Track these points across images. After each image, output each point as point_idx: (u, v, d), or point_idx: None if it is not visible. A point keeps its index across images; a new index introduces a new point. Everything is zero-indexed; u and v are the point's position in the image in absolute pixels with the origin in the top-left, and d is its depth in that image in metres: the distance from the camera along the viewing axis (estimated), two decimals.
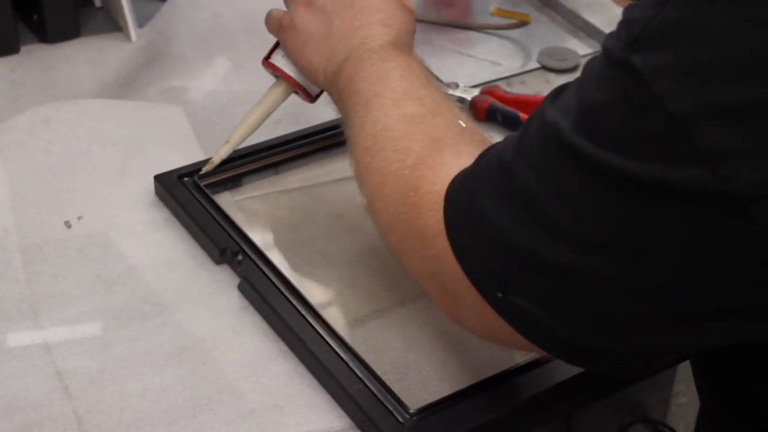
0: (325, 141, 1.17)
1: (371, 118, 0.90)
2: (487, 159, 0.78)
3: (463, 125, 0.89)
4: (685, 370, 1.31)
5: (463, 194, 0.79)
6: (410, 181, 0.84)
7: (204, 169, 1.09)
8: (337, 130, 1.17)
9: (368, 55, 0.94)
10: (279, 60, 1.06)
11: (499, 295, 0.76)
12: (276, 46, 1.07)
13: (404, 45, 0.97)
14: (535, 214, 0.72)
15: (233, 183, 1.12)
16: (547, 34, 1.42)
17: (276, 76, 1.07)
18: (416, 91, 0.91)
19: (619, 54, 0.68)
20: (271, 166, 1.15)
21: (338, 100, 0.97)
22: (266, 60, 1.06)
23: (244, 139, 1.09)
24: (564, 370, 0.93)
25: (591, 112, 0.70)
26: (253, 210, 1.10)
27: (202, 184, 1.09)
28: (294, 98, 1.12)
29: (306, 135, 1.17)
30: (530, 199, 0.72)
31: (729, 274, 0.67)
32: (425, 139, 0.86)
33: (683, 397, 1.33)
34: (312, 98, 1.07)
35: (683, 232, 0.67)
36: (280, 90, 1.07)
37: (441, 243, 0.79)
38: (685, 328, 0.72)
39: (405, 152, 0.86)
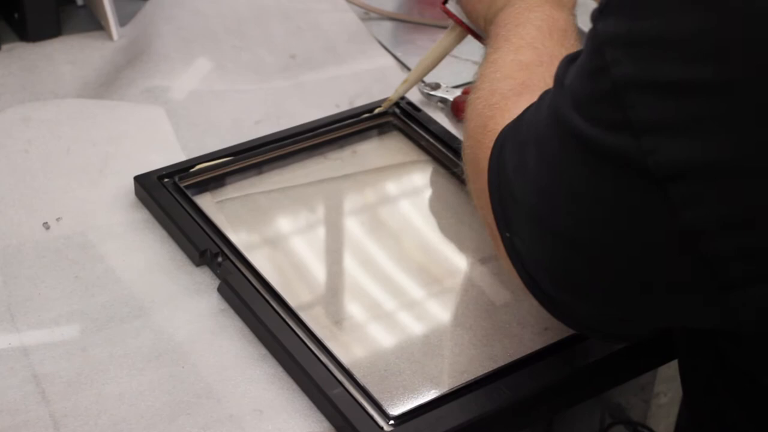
0: (306, 142, 1.17)
1: (491, 60, 0.95)
2: (523, 114, 0.83)
3: None
4: (666, 371, 1.31)
5: (502, 138, 0.84)
6: (484, 119, 0.89)
7: (383, 106, 1.20)
8: (318, 131, 1.17)
9: (520, 3, 0.98)
10: (452, 6, 1.11)
11: (507, 234, 0.82)
12: None
13: (562, 3, 0.99)
14: (524, 164, 0.79)
15: (214, 184, 1.12)
16: None
17: (451, 22, 1.13)
18: (542, 40, 0.94)
19: (593, 20, 0.73)
20: (253, 167, 1.14)
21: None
22: (442, 5, 1.12)
23: (420, 79, 1.19)
24: (545, 374, 0.92)
25: (573, 75, 0.75)
26: (233, 211, 1.09)
27: (182, 185, 1.08)
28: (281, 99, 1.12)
29: (288, 136, 1.16)
30: (524, 151, 0.79)
31: (645, 246, 0.71)
32: (516, 83, 0.90)
33: (663, 397, 1.33)
34: (484, 41, 1.09)
35: (609, 195, 0.71)
36: (454, 34, 1.14)
37: (484, 178, 0.85)
38: (624, 292, 0.76)
39: (493, 92, 0.91)
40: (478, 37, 1.10)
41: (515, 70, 0.92)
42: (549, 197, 0.76)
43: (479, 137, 0.89)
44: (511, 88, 0.90)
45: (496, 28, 0.99)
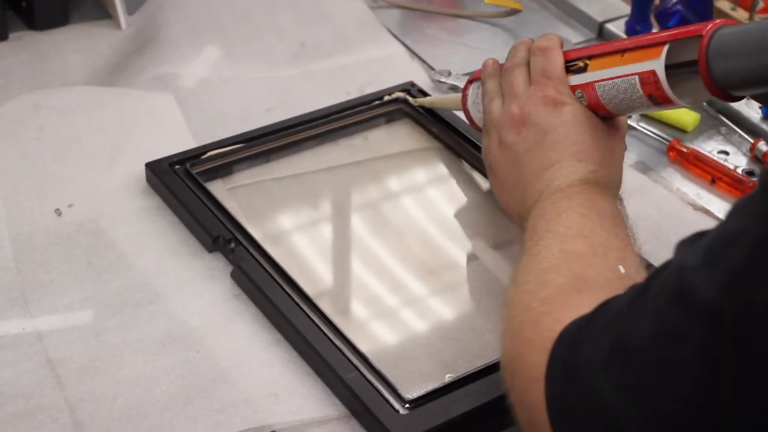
0: (317, 129, 1.16)
1: (533, 253, 0.83)
2: (605, 308, 0.71)
3: (623, 272, 0.79)
4: None
5: (570, 342, 0.71)
6: (536, 315, 0.77)
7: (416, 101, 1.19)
8: (329, 118, 1.17)
9: (554, 194, 0.88)
10: (471, 99, 1.07)
11: None
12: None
13: (599, 179, 0.90)
14: (634, 381, 0.64)
15: (225, 171, 1.11)
16: (538, 22, 1.42)
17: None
18: (591, 228, 0.83)
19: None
20: (264, 154, 1.14)
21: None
22: (467, 83, 1.08)
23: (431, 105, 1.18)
24: None
25: (725, 241, 0.63)
26: (245, 198, 1.09)
27: (193, 171, 1.08)
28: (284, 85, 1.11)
29: (298, 123, 1.16)
30: (632, 362, 0.65)
31: None
32: (571, 276, 0.79)
33: None
34: (477, 128, 1.07)
35: None
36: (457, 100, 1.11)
37: (538, 388, 0.71)
38: None
39: (544, 285, 0.79)
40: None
41: (567, 261, 0.80)
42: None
43: (528, 336, 0.76)
44: (567, 282, 0.78)
45: (533, 220, 0.87)
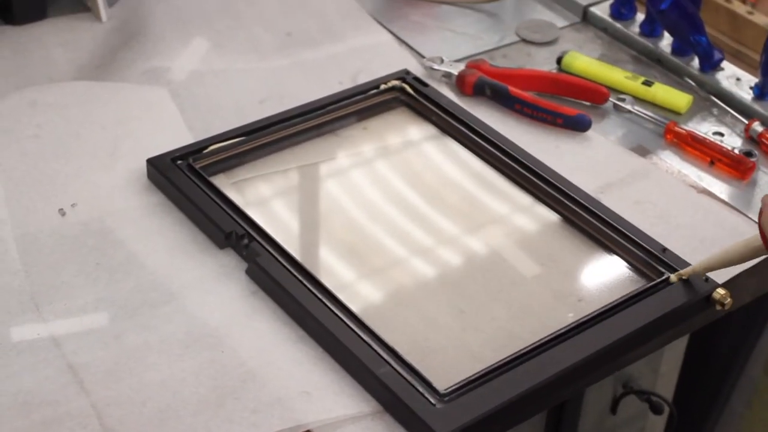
0: (316, 120, 1.15)
1: None
2: None
3: None
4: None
5: None
6: None
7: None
8: (327, 109, 1.15)
9: None
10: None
11: None
12: None
13: None
14: None
15: (227, 165, 1.10)
16: (521, 7, 1.41)
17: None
18: None
19: None
20: (265, 147, 1.12)
21: None
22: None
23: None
24: (586, 345, 0.92)
25: None
26: (251, 192, 1.07)
27: (197, 166, 1.06)
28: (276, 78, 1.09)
29: (297, 114, 1.14)
30: None
31: None
32: None
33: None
34: None
35: None
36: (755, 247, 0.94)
37: None
38: None
39: None
40: None
41: None
42: None
43: None
44: None
45: None
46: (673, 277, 0.98)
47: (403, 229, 1.05)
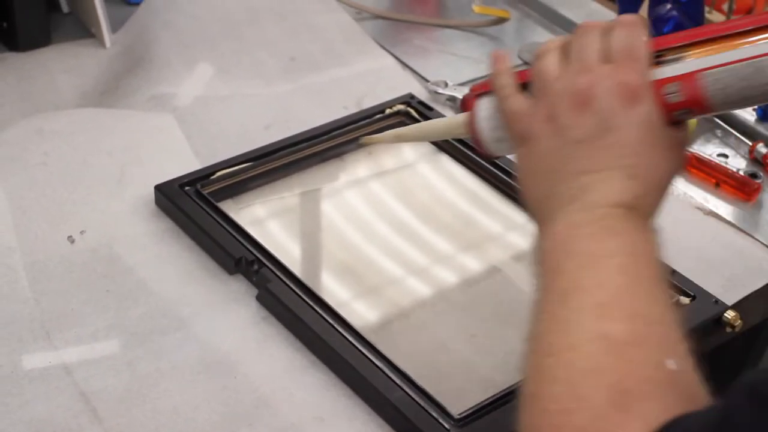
0: (322, 144, 1.15)
1: (561, 319, 0.67)
2: None
3: (674, 367, 0.64)
4: None
5: None
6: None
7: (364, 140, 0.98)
8: (333, 134, 1.16)
9: (589, 218, 0.71)
10: (482, 114, 0.84)
11: None
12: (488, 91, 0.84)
13: (643, 210, 0.72)
14: None
15: (234, 191, 1.10)
16: (522, 30, 1.42)
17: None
18: (632, 295, 0.67)
19: None
20: (272, 172, 1.12)
21: (536, 256, 0.73)
22: (472, 99, 0.86)
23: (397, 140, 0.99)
24: None
25: None
26: (259, 217, 1.07)
27: (205, 192, 1.06)
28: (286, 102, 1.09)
29: (303, 140, 1.14)
30: None
31: None
32: (610, 389, 0.62)
33: None
34: (490, 156, 0.88)
35: None
36: (458, 124, 0.88)
37: None
38: None
39: (579, 402, 0.63)
40: (487, 152, 0.86)
41: (605, 357, 0.64)
42: None
43: None
44: (607, 400, 0.62)
45: (553, 252, 0.71)
46: (682, 299, 0.99)
47: (412, 253, 1.05)
